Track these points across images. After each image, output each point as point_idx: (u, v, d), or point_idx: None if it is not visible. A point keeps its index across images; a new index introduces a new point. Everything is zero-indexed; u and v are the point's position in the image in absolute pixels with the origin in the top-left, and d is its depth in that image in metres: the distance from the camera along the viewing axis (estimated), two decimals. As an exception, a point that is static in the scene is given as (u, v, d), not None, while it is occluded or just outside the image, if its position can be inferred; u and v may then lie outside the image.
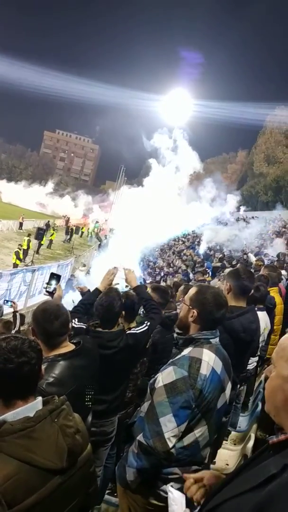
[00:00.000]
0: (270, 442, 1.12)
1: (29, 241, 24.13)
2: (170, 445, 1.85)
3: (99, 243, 24.03)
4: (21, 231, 34.36)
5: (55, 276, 3.35)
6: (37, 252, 26.31)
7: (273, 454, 1.09)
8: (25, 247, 23.74)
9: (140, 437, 1.94)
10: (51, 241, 31.30)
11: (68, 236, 36.21)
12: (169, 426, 1.85)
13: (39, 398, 1.49)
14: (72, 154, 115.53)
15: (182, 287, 5.67)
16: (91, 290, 3.95)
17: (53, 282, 3.29)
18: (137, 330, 3.14)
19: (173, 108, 31.33)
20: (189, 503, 1.54)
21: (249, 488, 1.02)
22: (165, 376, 1.95)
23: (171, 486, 1.86)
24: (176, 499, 1.69)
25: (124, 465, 2.02)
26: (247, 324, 2.97)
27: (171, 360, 2.05)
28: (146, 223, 19.91)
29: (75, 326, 3.05)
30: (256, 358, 4.10)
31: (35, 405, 1.46)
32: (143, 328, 3.16)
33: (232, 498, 1.07)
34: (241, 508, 1.01)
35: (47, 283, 3.32)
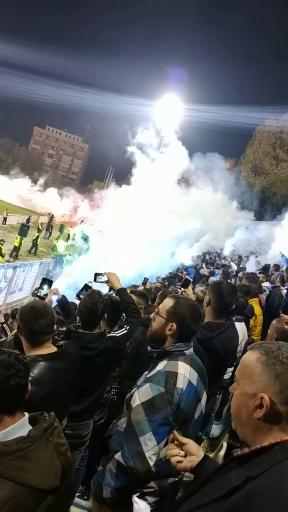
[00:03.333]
0: (234, 454, 1.16)
1: (21, 239, 24.09)
2: (151, 464, 1.81)
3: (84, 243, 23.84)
4: (4, 225, 33.96)
5: (47, 281, 3.33)
6: (35, 253, 26.85)
7: (237, 466, 1.13)
8: (16, 244, 23.83)
9: (119, 457, 1.89)
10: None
11: (48, 233, 36.10)
12: (149, 445, 1.81)
13: (26, 415, 1.45)
14: (61, 152, 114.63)
15: (160, 292, 5.70)
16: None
17: (45, 287, 3.28)
18: (116, 333, 3.16)
19: (165, 113, 31.40)
20: None
21: (214, 499, 1.05)
22: (142, 393, 1.90)
23: (137, 496, 1.84)
24: (141, 510, 1.71)
25: (101, 482, 1.96)
26: (227, 342, 2.92)
27: (146, 377, 2.01)
28: (141, 220, 19.52)
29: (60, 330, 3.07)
30: (232, 368, 4.14)
31: (25, 422, 1.42)
32: (122, 332, 3.19)
33: (197, 509, 1.10)
34: None
35: (39, 288, 3.31)
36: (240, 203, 27.19)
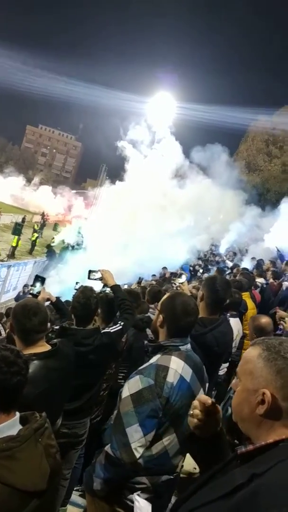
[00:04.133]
0: (238, 452, 1.14)
1: (18, 239, 24.05)
2: (137, 455, 1.80)
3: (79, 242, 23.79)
4: (-2, 225, 33.81)
5: (39, 279, 3.32)
6: (31, 252, 26.87)
7: (241, 464, 1.12)
8: (13, 245, 23.81)
9: (108, 448, 1.89)
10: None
11: (41, 231, 36.04)
12: (135, 436, 1.81)
13: (18, 414, 1.43)
14: (54, 150, 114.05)
15: (148, 289, 5.70)
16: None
17: (38, 284, 3.26)
18: (110, 329, 3.15)
19: (158, 110, 31.34)
20: None
21: (217, 497, 1.04)
22: (132, 385, 1.91)
23: (138, 495, 1.83)
24: (142, 508, 1.70)
25: (91, 474, 1.96)
26: (221, 337, 2.91)
27: (138, 369, 2.01)
28: (137, 217, 19.30)
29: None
30: (227, 364, 4.15)
31: (16, 421, 1.39)
32: (117, 327, 3.17)
33: (200, 507, 1.08)
34: None
35: (32, 285, 3.29)
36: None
